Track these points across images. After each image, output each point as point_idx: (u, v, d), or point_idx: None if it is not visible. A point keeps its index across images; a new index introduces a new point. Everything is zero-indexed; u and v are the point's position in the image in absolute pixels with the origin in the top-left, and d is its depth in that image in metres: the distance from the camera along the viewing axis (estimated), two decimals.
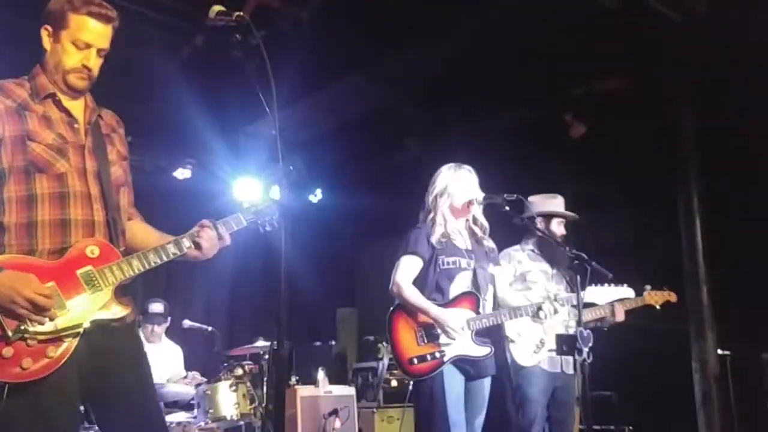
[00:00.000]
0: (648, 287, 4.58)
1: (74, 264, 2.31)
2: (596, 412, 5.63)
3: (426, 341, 3.58)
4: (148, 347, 5.88)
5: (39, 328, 2.21)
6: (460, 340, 3.57)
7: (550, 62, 5.95)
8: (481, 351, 3.63)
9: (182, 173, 7.55)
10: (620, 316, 4.45)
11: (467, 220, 3.84)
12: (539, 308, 3.87)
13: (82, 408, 2.53)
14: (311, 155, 8.06)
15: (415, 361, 3.53)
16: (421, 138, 7.60)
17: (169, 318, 6.03)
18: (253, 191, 7.42)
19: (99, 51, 2.46)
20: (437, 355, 3.55)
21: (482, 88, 6.50)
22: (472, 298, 3.69)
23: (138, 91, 6.45)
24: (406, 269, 3.69)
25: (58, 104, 2.45)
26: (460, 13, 5.82)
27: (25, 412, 2.20)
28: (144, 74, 6.21)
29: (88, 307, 2.29)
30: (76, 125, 2.45)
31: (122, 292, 2.41)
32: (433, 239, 3.71)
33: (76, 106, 2.50)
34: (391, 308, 3.68)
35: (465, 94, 6.70)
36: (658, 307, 4.58)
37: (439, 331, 3.56)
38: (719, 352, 5.87)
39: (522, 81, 6.18)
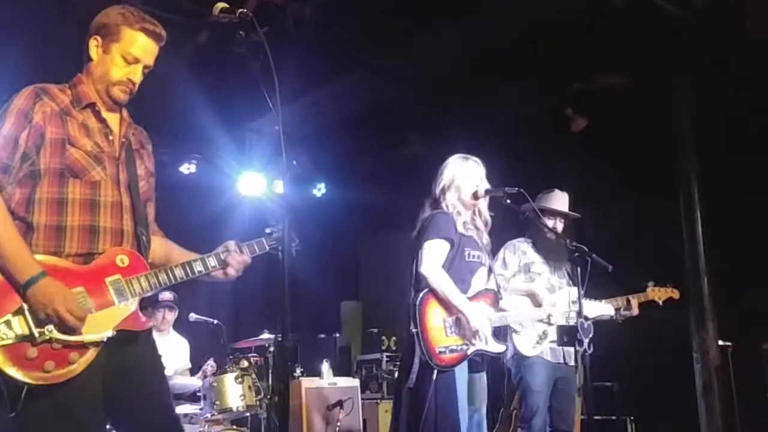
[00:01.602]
0: (651, 283, 4.61)
1: (104, 271, 2.33)
2: (598, 402, 5.70)
3: (454, 332, 3.57)
4: (156, 337, 5.97)
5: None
6: (483, 335, 3.58)
7: (552, 57, 5.98)
8: (499, 348, 3.68)
9: (188, 168, 7.60)
10: (636, 309, 4.50)
11: (473, 213, 3.83)
12: (549, 316, 3.98)
13: None
14: (315, 150, 8.11)
15: (445, 351, 3.50)
16: (423, 133, 7.64)
17: (177, 308, 6.09)
18: (257, 186, 7.49)
19: (145, 67, 2.54)
20: (463, 347, 3.55)
21: (484, 83, 6.54)
22: (492, 295, 3.73)
23: (143, 87, 6.49)
24: (437, 254, 3.61)
25: (97, 114, 2.49)
26: (463, 9, 5.85)
27: (49, 415, 2.20)
28: (149, 71, 6.25)
29: (114, 316, 2.31)
30: (111, 137, 2.50)
31: (145, 305, 2.44)
32: (459, 227, 3.69)
33: (113, 119, 2.54)
34: (421, 294, 3.57)
35: (467, 89, 6.73)
36: (660, 303, 4.62)
37: (467, 326, 3.54)
38: (720, 343, 5.91)
39: (523, 76, 6.22)
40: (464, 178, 3.79)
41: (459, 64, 6.55)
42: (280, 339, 2.16)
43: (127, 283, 2.35)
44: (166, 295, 6.00)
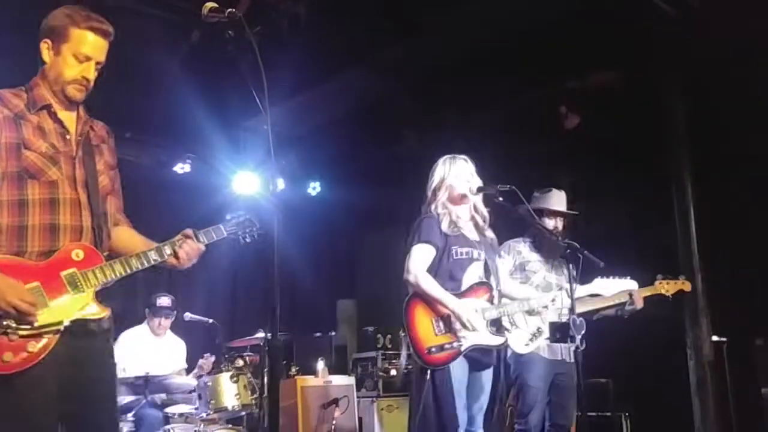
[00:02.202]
0: (660, 276, 4.63)
1: (59, 266, 2.45)
2: (593, 399, 5.73)
3: (444, 331, 3.61)
4: (153, 340, 6.02)
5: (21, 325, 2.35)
6: (476, 329, 3.62)
7: (545, 54, 5.99)
8: (497, 340, 3.70)
9: (182, 168, 7.59)
10: (640, 304, 4.51)
11: (470, 210, 3.89)
12: (553, 300, 3.98)
13: None
14: (310, 148, 8.12)
15: (434, 350, 3.56)
16: (418, 130, 7.65)
17: (175, 312, 6.10)
18: (252, 185, 7.49)
19: (97, 64, 2.61)
20: (455, 345, 3.59)
21: (478, 80, 6.54)
22: (486, 287, 3.76)
23: (138, 87, 6.50)
24: (421, 258, 3.72)
25: (53, 115, 2.58)
26: (456, 6, 5.85)
27: (9, 402, 2.33)
28: (143, 70, 6.26)
29: (70, 306, 2.44)
30: (68, 136, 2.59)
31: (104, 297, 2.55)
32: (444, 228, 3.76)
33: (70, 118, 2.63)
34: (407, 297, 3.69)
35: (461, 86, 6.74)
36: (670, 296, 4.62)
37: (457, 322, 3.60)
38: (714, 338, 5.93)
39: (516, 73, 6.22)
40: (453, 176, 3.87)
41: (453, 61, 6.55)
42: (269, 338, 2.17)
43: (82, 276, 2.46)
44: (165, 302, 6.02)
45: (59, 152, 2.53)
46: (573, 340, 3.23)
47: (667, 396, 5.99)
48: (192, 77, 6.43)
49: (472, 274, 3.76)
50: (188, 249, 2.65)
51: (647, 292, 4.56)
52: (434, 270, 3.71)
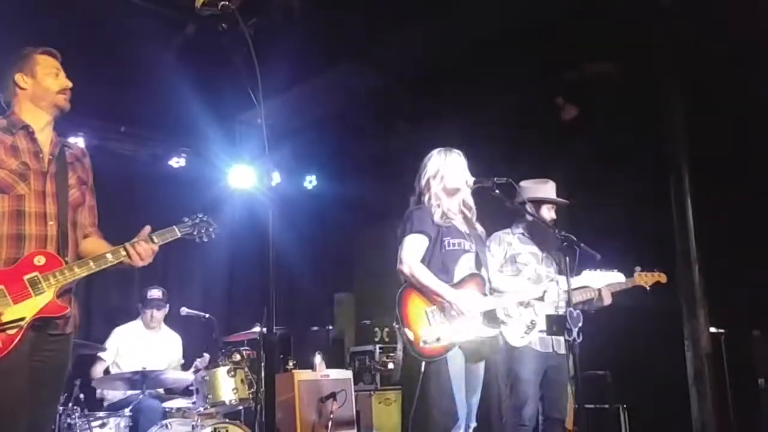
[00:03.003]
0: (638, 268, 4.64)
1: (22, 270, 2.72)
2: (590, 391, 5.73)
3: (438, 322, 3.60)
4: (148, 335, 6.01)
5: None
6: (470, 321, 3.61)
7: (541, 46, 5.97)
8: (490, 332, 3.69)
9: (177, 162, 7.56)
10: (607, 300, 4.52)
11: (459, 203, 3.89)
12: (545, 292, 3.97)
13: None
14: (305, 142, 8.08)
15: (428, 342, 3.53)
16: (414, 123, 7.63)
17: (167, 304, 6.09)
18: (247, 179, 7.46)
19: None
20: (449, 336, 3.57)
21: (473, 73, 6.52)
22: (479, 279, 3.75)
23: (132, 82, 6.47)
24: (414, 248, 3.70)
25: (30, 135, 2.90)
26: None
27: None
28: (138, 64, 6.23)
29: (31, 306, 2.68)
30: (41, 155, 2.90)
31: (67, 299, 2.83)
32: (436, 218, 3.75)
33: (44, 139, 2.96)
34: (400, 289, 3.67)
35: (456, 79, 6.72)
36: (648, 288, 4.64)
37: (450, 312, 3.58)
38: (712, 330, 5.93)
39: (513, 65, 6.20)
40: (449, 168, 3.86)
41: (448, 53, 6.52)
42: (264, 332, 2.16)
43: (43, 278, 2.72)
44: (155, 293, 6.01)
45: (29, 169, 2.82)
46: (570, 332, 3.20)
47: (664, 388, 5.99)
48: (187, 71, 6.39)
49: (464, 266, 3.75)
50: (140, 250, 2.88)
51: (629, 284, 4.57)
52: (426, 261, 3.70)
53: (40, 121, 2.95)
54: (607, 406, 5.87)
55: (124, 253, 2.86)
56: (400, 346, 3.56)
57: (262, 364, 5.76)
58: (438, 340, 3.54)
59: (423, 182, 3.89)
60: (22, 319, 2.63)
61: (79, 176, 3.03)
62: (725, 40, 5.42)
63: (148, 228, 2.93)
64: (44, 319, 2.72)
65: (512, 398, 4.44)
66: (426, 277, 3.64)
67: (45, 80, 2.95)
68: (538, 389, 4.42)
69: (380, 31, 6.33)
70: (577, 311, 3.23)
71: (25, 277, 2.69)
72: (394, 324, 3.60)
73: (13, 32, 5.38)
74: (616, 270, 4.34)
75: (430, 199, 3.83)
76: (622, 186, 6.27)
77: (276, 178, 8.31)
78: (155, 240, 2.92)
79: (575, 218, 5.54)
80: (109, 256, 2.84)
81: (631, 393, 5.94)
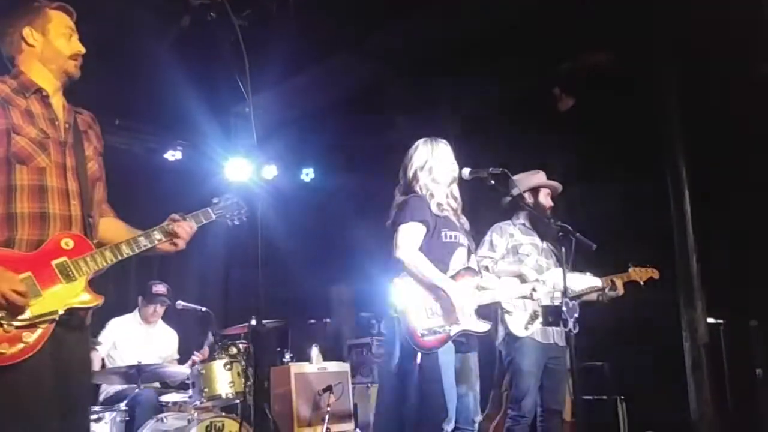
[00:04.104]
0: (632, 263, 4.63)
1: (50, 255, 2.43)
2: (588, 382, 5.73)
3: (435, 314, 3.53)
4: (143, 329, 5.98)
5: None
6: (465, 314, 3.56)
7: (537, 36, 5.93)
8: (483, 327, 3.65)
9: (173, 155, 7.53)
10: (621, 290, 4.51)
11: (446, 196, 3.81)
12: (533, 290, 3.92)
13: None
14: (302, 134, 8.05)
15: (426, 333, 3.48)
16: (411, 115, 7.60)
17: (170, 302, 6.05)
18: (244, 172, 7.42)
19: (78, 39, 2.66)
20: (446, 328, 3.52)
21: (470, 64, 6.49)
22: (473, 273, 3.70)
23: (127, 74, 6.43)
24: (413, 237, 3.59)
25: (44, 99, 2.58)
26: None
27: (9, 393, 2.31)
28: (132, 57, 6.19)
29: (63, 295, 2.42)
30: (56, 122, 2.58)
31: (95, 286, 2.53)
32: (433, 209, 3.68)
33: (57, 105, 2.63)
34: (397, 278, 3.57)
35: (453, 71, 6.68)
36: (642, 283, 4.61)
37: (451, 304, 3.51)
38: (711, 320, 5.92)
39: (509, 56, 6.18)
40: (437, 159, 3.78)
41: (445, 44, 6.48)
42: (255, 325, 2.13)
43: (73, 264, 2.44)
44: (161, 289, 5.96)
45: (48, 138, 2.51)
46: (566, 323, 3.18)
47: (662, 378, 5.99)
48: (182, 63, 6.35)
49: (459, 260, 3.71)
50: (180, 230, 2.63)
51: (624, 278, 4.56)
52: (424, 251, 3.60)
53: (50, 85, 2.61)
54: (605, 397, 5.86)
55: (158, 236, 2.60)
56: (398, 335, 3.49)
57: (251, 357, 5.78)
58: (435, 332, 3.49)
59: (411, 173, 3.78)
60: (54, 312, 2.37)
61: (95, 147, 2.73)
62: (725, 31, 5.39)
63: (175, 215, 2.67)
64: (72, 311, 2.44)
65: (513, 390, 4.44)
66: (425, 266, 3.54)
67: (57, 40, 2.60)
68: (539, 381, 4.41)
69: (376, 22, 6.29)
70: (573, 302, 3.21)
71: (54, 263, 2.41)
72: (391, 313, 3.54)
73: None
74: (589, 273, 4.33)
75: (420, 189, 3.74)
76: (619, 176, 6.25)
77: (273, 171, 8.29)
78: (189, 221, 2.68)
79: (573, 209, 5.53)
80: (142, 240, 2.58)
81: (629, 384, 5.93)
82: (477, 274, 3.72)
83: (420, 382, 3.48)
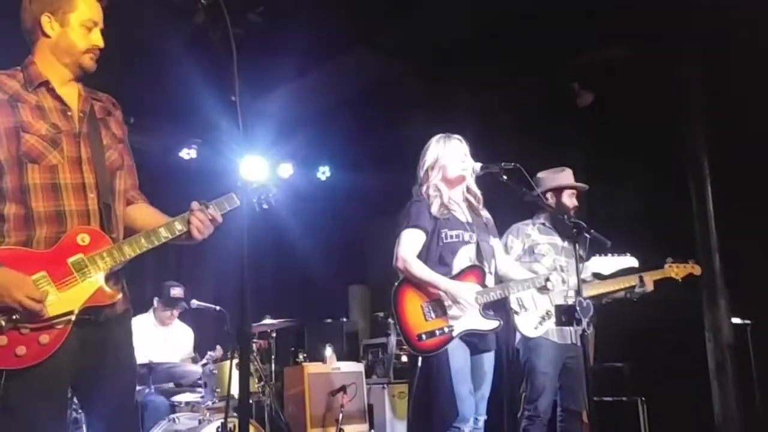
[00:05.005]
0: (669, 260, 4.50)
1: (65, 252, 2.35)
2: (608, 383, 5.62)
3: (434, 316, 3.52)
4: (158, 330, 5.94)
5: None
6: (468, 313, 3.52)
7: (555, 30, 5.83)
8: (490, 324, 3.58)
9: (188, 153, 7.52)
10: (650, 286, 4.39)
11: (463, 191, 3.79)
12: (547, 279, 3.82)
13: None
14: (318, 132, 8.00)
15: (424, 336, 3.47)
16: (428, 112, 7.52)
17: (187, 304, 6.00)
18: (259, 169, 7.38)
19: (101, 31, 2.54)
20: (446, 329, 3.50)
21: (487, 59, 6.39)
22: (478, 271, 3.64)
23: (141, 72, 6.41)
24: (410, 243, 3.62)
25: (52, 92, 2.48)
26: None
27: (18, 397, 2.25)
28: (146, 54, 6.17)
29: (80, 294, 2.33)
30: (69, 113, 2.49)
31: (115, 281, 2.46)
32: (434, 211, 3.65)
33: (70, 94, 2.52)
34: (396, 284, 3.61)
35: (470, 66, 6.59)
36: (679, 280, 4.49)
37: (447, 304, 3.50)
38: (738, 321, 5.78)
39: (527, 50, 6.07)
40: (448, 157, 3.75)
41: (460, 39, 6.39)
42: (240, 325, 2.05)
43: (89, 261, 2.36)
44: (178, 293, 5.90)
45: (60, 132, 2.43)
46: (579, 323, 3.09)
47: (685, 380, 5.86)
48: (196, 60, 6.32)
49: (463, 258, 3.64)
50: (197, 222, 2.49)
51: (657, 275, 4.42)
52: (424, 255, 3.62)
53: (61, 77, 2.50)
54: (625, 398, 5.75)
55: (180, 227, 2.48)
56: (393, 339, 3.49)
57: (273, 357, 5.74)
58: (433, 334, 3.46)
59: (422, 172, 3.79)
60: (70, 312, 2.29)
61: (113, 134, 2.59)
62: (743, 21, 5.25)
63: (195, 204, 2.53)
64: (91, 310, 2.36)
65: (528, 390, 4.36)
66: (420, 269, 3.56)
67: (74, 33, 2.47)
68: (556, 381, 4.35)
69: (393, 18, 6.22)
70: (587, 301, 3.12)
71: (69, 260, 2.33)
72: (389, 320, 3.54)
73: (15, 20, 5.36)
74: (628, 254, 4.22)
75: (428, 189, 3.73)
76: (639, 174, 6.13)
77: (289, 169, 8.25)
78: (211, 210, 2.53)
79: (592, 207, 5.43)
80: (162, 231, 2.46)
81: (650, 385, 5.81)
82: (484, 272, 3.64)
83: (428, 384, 3.46)
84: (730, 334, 5.75)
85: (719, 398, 5.71)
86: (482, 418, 3.60)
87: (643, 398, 5.75)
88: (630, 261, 4.27)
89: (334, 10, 6.08)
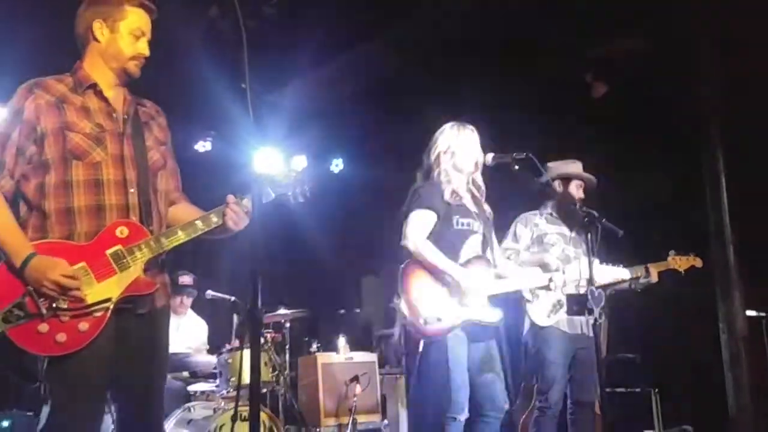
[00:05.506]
0: (672, 252, 4.49)
1: (104, 244, 2.45)
2: (621, 374, 5.62)
3: (442, 302, 3.46)
4: (173, 319, 5.96)
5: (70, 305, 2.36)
6: (475, 303, 3.49)
7: (569, 21, 5.81)
8: (494, 316, 3.56)
9: (203, 146, 7.55)
10: (655, 277, 4.38)
11: (468, 182, 3.75)
12: (550, 279, 3.80)
13: None
14: (331, 124, 8.01)
15: (429, 321, 3.41)
16: (441, 104, 7.50)
17: (196, 291, 6.06)
18: (274, 162, 7.40)
19: (148, 41, 2.68)
20: (452, 317, 3.45)
21: (501, 51, 6.38)
22: (484, 262, 3.62)
23: (155, 65, 6.43)
24: (421, 224, 3.54)
25: (99, 94, 2.60)
26: None
27: (66, 382, 2.38)
28: (161, 48, 6.19)
29: (118, 284, 2.43)
30: (114, 114, 2.61)
31: (153, 273, 2.55)
32: (446, 196, 3.61)
33: (116, 97, 2.65)
34: (403, 264, 3.53)
35: (483, 57, 6.58)
36: (682, 272, 4.48)
37: (456, 292, 3.45)
38: (752, 313, 5.76)
39: (540, 41, 6.05)
40: (460, 145, 3.71)
41: (475, 33, 6.38)
42: (249, 308, 2.09)
43: (127, 252, 2.45)
44: (186, 280, 5.97)
45: (105, 131, 2.55)
46: (591, 312, 3.08)
47: (698, 372, 5.85)
48: (210, 53, 6.35)
49: (471, 247, 3.61)
50: (232, 214, 2.60)
51: (661, 266, 4.42)
52: (433, 239, 3.54)
53: (108, 81, 2.62)
54: (638, 389, 5.74)
55: (215, 219, 2.58)
56: (399, 325, 3.46)
57: (287, 347, 5.77)
58: (439, 320, 3.42)
59: (433, 157, 3.73)
60: (108, 299, 2.39)
61: (156, 137, 2.72)
62: (760, 12, 5.21)
63: (231, 197, 2.63)
64: (131, 299, 2.45)
65: (539, 381, 4.36)
66: (433, 254, 3.48)
67: (122, 40, 2.59)
68: (567, 372, 4.33)
69: (407, 9, 6.21)
70: (599, 290, 3.11)
71: (108, 252, 2.43)
72: (394, 299, 3.50)
73: (32, 20, 5.41)
74: (621, 265, 4.22)
75: (439, 175, 3.67)
76: (654, 166, 6.11)
77: (302, 161, 8.26)
78: (246, 203, 2.62)
79: (605, 199, 5.41)
80: (199, 223, 2.57)
81: (663, 377, 5.80)
82: (490, 264, 3.62)
83: (427, 371, 3.42)
84: (744, 326, 5.73)
85: (733, 390, 5.70)
86: (506, 406, 3.55)
87: (657, 389, 5.74)
88: (622, 273, 4.25)
89: (348, 3, 6.09)
